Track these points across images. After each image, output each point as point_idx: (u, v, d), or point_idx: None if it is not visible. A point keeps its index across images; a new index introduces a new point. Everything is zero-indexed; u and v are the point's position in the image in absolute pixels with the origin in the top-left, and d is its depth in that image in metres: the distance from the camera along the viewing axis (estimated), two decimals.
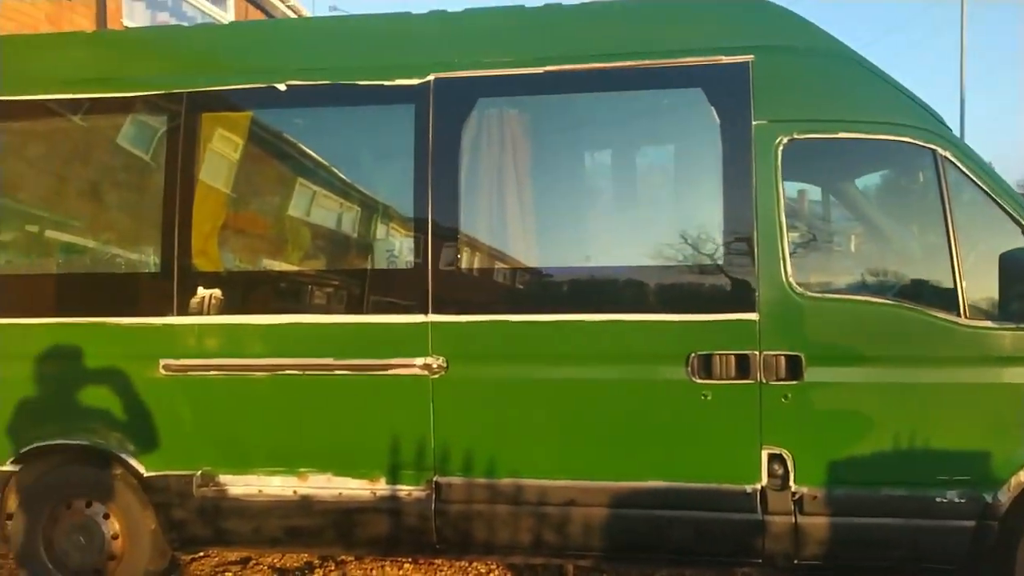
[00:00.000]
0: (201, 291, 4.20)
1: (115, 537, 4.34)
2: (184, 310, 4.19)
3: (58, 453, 4.37)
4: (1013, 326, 3.62)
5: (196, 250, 4.24)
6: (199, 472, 4.22)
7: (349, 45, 4.34)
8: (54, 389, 4.31)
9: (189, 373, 4.19)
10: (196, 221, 4.24)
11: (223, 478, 4.21)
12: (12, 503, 4.44)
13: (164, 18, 9.97)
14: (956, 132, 4.09)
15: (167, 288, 4.21)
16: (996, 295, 3.63)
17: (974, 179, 3.72)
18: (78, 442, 4.28)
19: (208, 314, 4.19)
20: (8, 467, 4.36)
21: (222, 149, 4.43)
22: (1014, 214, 3.69)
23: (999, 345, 3.65)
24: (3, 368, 4.32)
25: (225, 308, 4.20)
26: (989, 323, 3.65)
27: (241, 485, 4.20)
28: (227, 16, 11.07)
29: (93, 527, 4.35)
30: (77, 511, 4.37)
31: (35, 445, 4.30)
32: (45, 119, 4.53)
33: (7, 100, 4.50)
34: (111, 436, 4.26)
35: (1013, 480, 3.62)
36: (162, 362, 4.19)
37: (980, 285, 3.66)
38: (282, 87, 4.20)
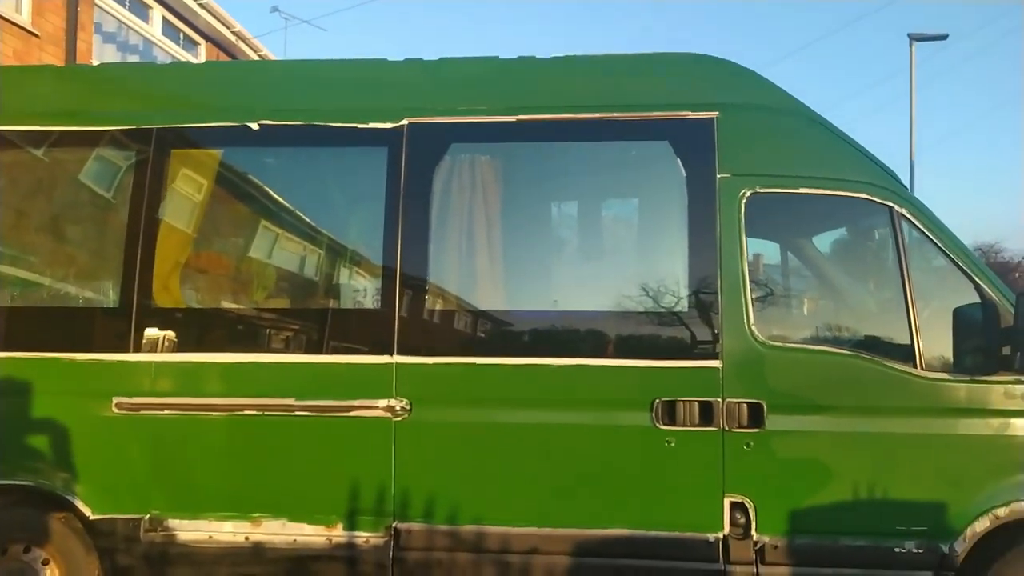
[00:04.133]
0: (161, 328, 4.11)
1: None
2: (141, 347, 4.09)
3: None
4: (967, 378, 3.72)
5: (158, 287, 4.17)
6: (147, 516, 4.07)
7: (325, 88, 4.38)
8: None
9: (142, 412, 4.07)
10: (159, 257, 4.18)
11: (172, 523, 4.06)
12: None
13: (135, 61, 9.98)
14: None
15: (125, 324, 4.11)
16: (951, 348, 3.72)
17: (928, 235, 3.87)
18: (21, 483, 4.09)
19: (167, 351, 4.10)
20: None
21: (189, 186, 4.40)
22: (967, 270, 3.82)
23: (954, 396, 3.74)
24: None
25: (185, 346, 4.11)
26: (944, 375, 3.74)
27: (191, 530, 4.05)
28: (198, 61, 11.11)
29: (30, 574, 4.13)
30: (13, 557, 4.15)
31: None
32: (7, 151, 4.46)
33: None
34: (57, 477, 4.09)
35: (968, 531, 3.67)
36: (115, 400, 4.06)
37: (936, 338, 3.75)
38: (255, 126, 4.21)
